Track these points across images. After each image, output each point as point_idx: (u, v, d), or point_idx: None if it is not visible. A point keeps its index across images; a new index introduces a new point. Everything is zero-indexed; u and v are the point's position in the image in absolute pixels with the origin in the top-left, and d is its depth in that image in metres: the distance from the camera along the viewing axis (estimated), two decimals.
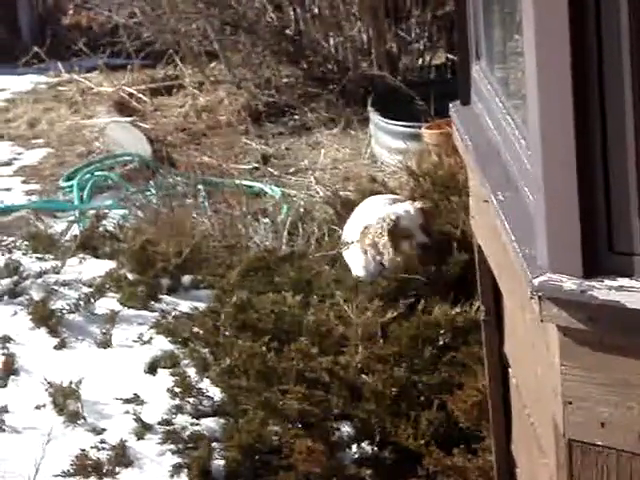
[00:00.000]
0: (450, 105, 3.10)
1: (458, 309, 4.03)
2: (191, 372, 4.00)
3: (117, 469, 3.62)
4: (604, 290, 2.03)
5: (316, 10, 7.64)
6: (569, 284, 2.06)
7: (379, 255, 4.29)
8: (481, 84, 2.88)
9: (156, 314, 4.44)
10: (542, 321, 2.13)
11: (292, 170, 6.75)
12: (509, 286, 2.65)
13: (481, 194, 2.73)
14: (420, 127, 6.23)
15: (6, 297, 4.51)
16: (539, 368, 2.37)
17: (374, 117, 6.76)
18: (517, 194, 2.41)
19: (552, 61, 2.01)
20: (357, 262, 4.42)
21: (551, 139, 2.06)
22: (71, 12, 8.83)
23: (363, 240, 4.37)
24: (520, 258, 2.20)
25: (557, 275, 2.08)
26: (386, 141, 6.64)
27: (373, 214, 4.47)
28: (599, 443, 2.11)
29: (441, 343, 3.97)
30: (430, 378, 3.84)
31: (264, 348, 3.93)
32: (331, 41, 7.63)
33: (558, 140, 2.05)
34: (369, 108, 6.86)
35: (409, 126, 6.43)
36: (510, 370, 2.95)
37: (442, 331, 3.99)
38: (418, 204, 4.42)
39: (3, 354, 4.07)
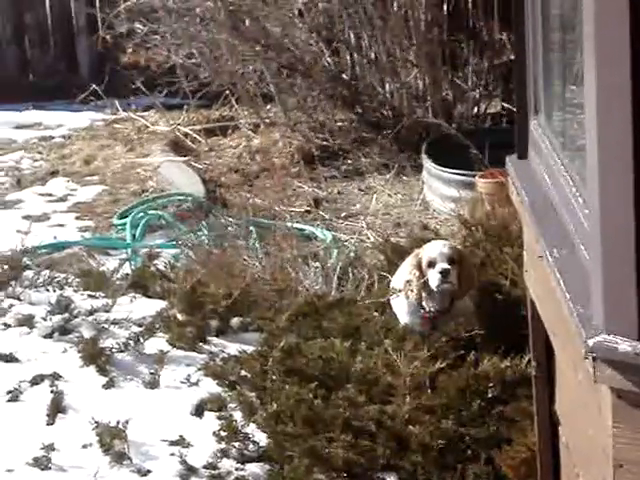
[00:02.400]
0: (507, 158, 3.09)
1: (508, 362, 4.00)
2: (237, 416, 3.98)
3: None
4: None
5: (373, 55, 7.67)
6: (624, 346, 2.04)
7: (411, 292, 4.36)
8: (539, 139, 2.87)
9: (204, 356, 4.44)
10: (595, 382, 2.11)
11: (344, 214, 6.75)
12: (562, 343, 2.63)
13: (536, 249, 2.71)
14: (474, 176, 6.21)
15: (57, 334, 4.53)
16: (590, 429, 2.34)
17: (427, 164, 6.76)
18: (573, 252, 2.40)
19: (613, 118, 2.00)
20: (400, 308, 4.44)
21: (610, 199, 2.05)
22: (130, 51, 8.91)
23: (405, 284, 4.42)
24: (575, 317, 2.19)
25: (612, 336, 2.07)
26: (439, 188, 6.62)
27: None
28: None
29: (490, 396, 3.94)
30: (478, 431, 3.81)
31: (311, 394, 3.92)
32: (387, 87, 7.64)
33: (617, 200, 2.04)
34: (423, 155, 6.85)
35: (463, 174, 6.41)
36: (560, 428, 2.92)
37: (491, 384, 3.96)
38: (453, 243, 4.48)
39: (52, 392, 4.08)
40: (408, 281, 4.39)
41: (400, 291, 4.45)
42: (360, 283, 4.94)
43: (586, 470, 2.52)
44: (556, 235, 2.53)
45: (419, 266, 4.37)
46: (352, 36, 7.69)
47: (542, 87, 2.89)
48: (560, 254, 2.45)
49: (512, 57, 7.04)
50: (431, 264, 4.33)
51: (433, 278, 4.30)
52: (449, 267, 4.30)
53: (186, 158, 7.79)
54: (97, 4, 9.51)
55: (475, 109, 7.58)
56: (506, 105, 7.41)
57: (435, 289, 4.32)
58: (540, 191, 2.77)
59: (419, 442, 3.75)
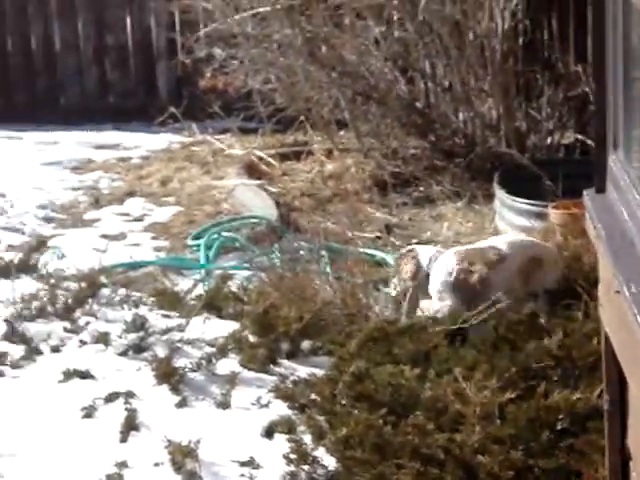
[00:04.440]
0: (584, 192, 3.11)
1: (579, 394, 3.99)
2: (307, 439, 4.00)
3: None
4: None
5: (447, 84, 7.70)
6: None
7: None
8: (618, 174, 2.88)
9: (274, 378, 4.48)
10: None
11: (414, 241, 6.76)
12: (637, 380, 2.63)
13: (612, 284, 2.72)
14: (546, 206, 6.20)
15: (131, 352, 4.60)
16: None
17: (499, 193, 6.76)
18: None
19: None
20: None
21: None
22: (208, 75, 9.05)
23: None
24: None
25: None
26: (510, 218, 6.62)
27: None
28: None
29: (559, 428, 3.92)
30: (547, 463, 3.79)
31: (380, 420, 3.93)
32: (460, 116, 7.67)
33: None
34: (495, 184, 6.86)
35: (535, 204, 6.40)
36: (631, 463, 2.91)
37: (561, 416, 3.95)
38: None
39: (126, 409, 4.14)
40: None
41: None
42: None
43: None
44: (634, 270, 2.54)
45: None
46: (427, 65, 7.74)
47: (622, 121, 2.90)
48: (638, 290, 2.46)
49: (587, 89, 7.04)
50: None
51: None
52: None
53: (260, 181, 7.86)
54: (177, 28, 9.66)
55: (548, 140, 7.57)
56: (580, 137, 7.39)
57: None
58: (618, 225, 2.78)
59: (488, 472, 3.74)
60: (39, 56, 10.13)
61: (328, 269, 5.74)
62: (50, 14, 10.06)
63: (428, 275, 4.76)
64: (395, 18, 7.70)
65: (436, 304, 4.77)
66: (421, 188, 7.48)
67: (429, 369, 4.30)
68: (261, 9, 7.77)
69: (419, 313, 4.78)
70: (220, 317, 5.02)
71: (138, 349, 4.61)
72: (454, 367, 4.26)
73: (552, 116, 7.50)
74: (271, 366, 4.59)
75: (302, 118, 8.27)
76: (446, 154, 7.59)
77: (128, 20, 10.02)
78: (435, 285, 4.76)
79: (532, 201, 6.41)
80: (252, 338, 4.72)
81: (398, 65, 7.71)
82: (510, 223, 6.63)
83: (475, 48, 7.39)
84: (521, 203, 6.51)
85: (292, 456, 3.90)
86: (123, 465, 3.86)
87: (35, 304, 4.95)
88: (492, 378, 4.09)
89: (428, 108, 7.72)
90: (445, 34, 7.42)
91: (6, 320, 4.80)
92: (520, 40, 7.50)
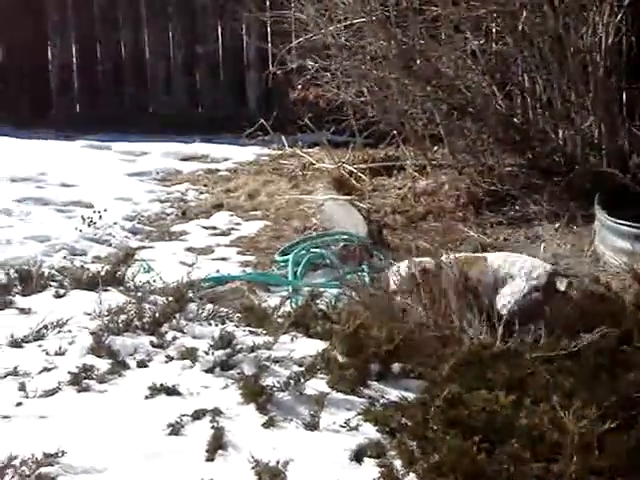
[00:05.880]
0: None
1: None
2: (397, 464, 3.88)
3: None
4: None
5: (546, 100, 7.53)
6: None
7: None
8: None
9: (364, 400, 4.37)
10: None
11: None
12: None
13: None
14: None
15: (218, 369, 4.52)
16: None
17: (600, 214, 6.59)
18: None
19: None
20: None
21: None
22: (299, 87, 8.94)
23: None
24: None
25: None
26: (611, 240, 6.45)
27: None
28: None
29: None
30: None
31: (474, 447, 3.82)
32: (560, 133, 7.49)
33: None
34: (595, 205, 6.68)
35: (637, 227, 6.25)
36: None
37: None
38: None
39: (212, 427, 4.06)
40: None
41: None
42: (526, 334, 4.82)
43: None
44: None
45: None
46: (526, 79, 7.57)
47: None
48: None
49: None
50: None
51: None
52: None
53: (350, 197, 7.75)
54: (269, 39, 9.56)
55: None
56: None
57: None
58: None
59: None
60: (128, 64, 10.13)
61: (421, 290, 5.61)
62: (140, 21, 10.05)
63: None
64: (494, 31, 7.56)
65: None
66: (517, 207, 7.33)
67: (525, 396, 4.18)
68: (356, 20, 7.67)
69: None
70: (308, 336, 4.93)
71: (225, 366, 4.52)
72: (551, 394, 4.14)
73: None
74: (360, 388, 4.48)
75: (394, 132, 8.14)
76: (544, 172, 7.43)
77: (219, 29, 9.96)
78: None
79: (634, 223, 6.26)
80: (341, 358, 4.62)
81: (496, 79, 7.56)
82: (610, 246, 6.46)
83: (577, 63, 7.22)
84: (622, 225, 6.36)
85: None
86: None
87: (122, 317, 4.90)
88: (591, 407, 3.98)
89: (526, 124, 7.56)
90: (546, 48, 7.25)
91: (93, 333, 4.74)
92: (624, 56, 7.32)
